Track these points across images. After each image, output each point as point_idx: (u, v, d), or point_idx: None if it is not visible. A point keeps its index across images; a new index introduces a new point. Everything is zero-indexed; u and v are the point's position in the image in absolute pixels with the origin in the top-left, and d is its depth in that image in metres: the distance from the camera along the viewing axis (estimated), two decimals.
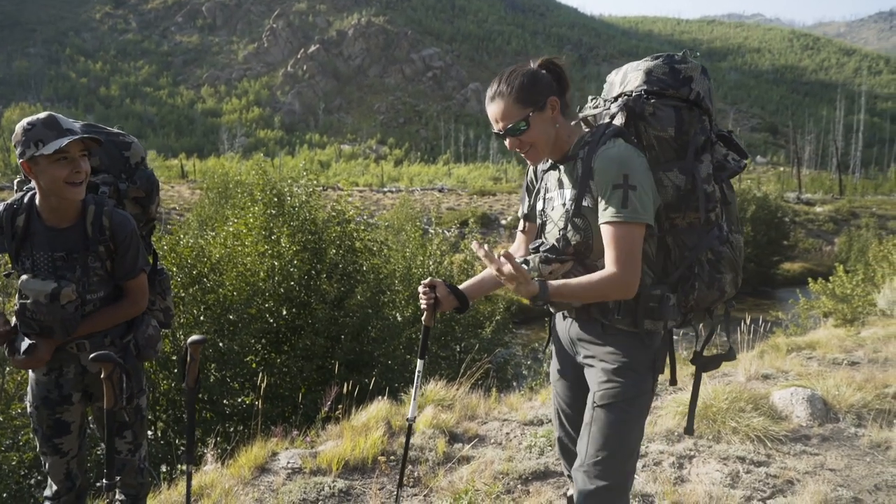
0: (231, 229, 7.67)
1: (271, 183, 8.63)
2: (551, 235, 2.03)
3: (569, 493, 2.28)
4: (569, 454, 2.24)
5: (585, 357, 2.03)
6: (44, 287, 2.15)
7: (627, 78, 2.01)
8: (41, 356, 2.22)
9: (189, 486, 2.28)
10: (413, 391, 2.34)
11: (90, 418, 2.52)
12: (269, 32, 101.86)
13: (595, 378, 1.97)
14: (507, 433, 4.40)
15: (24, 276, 2.21)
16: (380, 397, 4.95)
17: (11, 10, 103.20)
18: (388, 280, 8.45)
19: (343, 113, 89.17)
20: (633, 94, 1.95)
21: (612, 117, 1.97)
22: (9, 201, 2.32)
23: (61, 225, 2.23)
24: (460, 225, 29.18)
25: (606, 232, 1.83)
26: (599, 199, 1.85)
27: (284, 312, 7.36)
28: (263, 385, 4.75)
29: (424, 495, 3.51)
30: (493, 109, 1.94)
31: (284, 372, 7.07)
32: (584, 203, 1.89)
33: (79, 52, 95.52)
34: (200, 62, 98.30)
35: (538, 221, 2.14)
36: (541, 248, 1.99)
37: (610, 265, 1.82)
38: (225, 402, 7.06)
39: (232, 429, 6.76)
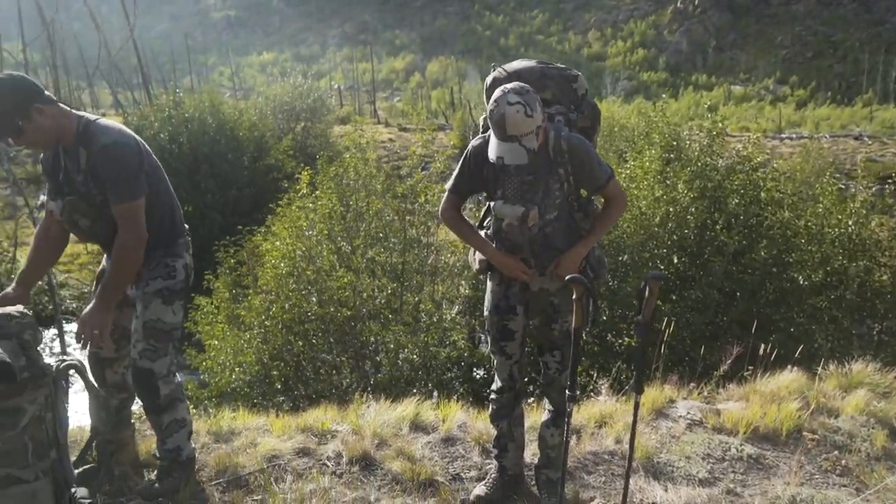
0: (628, 171, 7.71)
1: (670, 126, 8.33)
2: None
3: None
4: None
5: None
6: (514, 211, 2.48)
7: None
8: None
9: (636, 413, 2.36)
10: None
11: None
12: None
13: None
14: None
15: (497, 202, 2.54)
16: (790, 367, 4.45)
17: None
18: (797, 238, 7.45)
19: (737, 50, 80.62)
20: None
21: None
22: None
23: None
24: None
25: None
26: None
27: (675, 260, 7.15)
28: (669, 331, 4.72)
29: (856, 488, 3.05)
30: None
31: (672, 321, 6.94)
32: None
33: (485, 7, 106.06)
34: (589, 6, 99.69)
35: None
36: None
37: None
38: (610, 339, 7.32)
39: (615, 367, 6.97)
